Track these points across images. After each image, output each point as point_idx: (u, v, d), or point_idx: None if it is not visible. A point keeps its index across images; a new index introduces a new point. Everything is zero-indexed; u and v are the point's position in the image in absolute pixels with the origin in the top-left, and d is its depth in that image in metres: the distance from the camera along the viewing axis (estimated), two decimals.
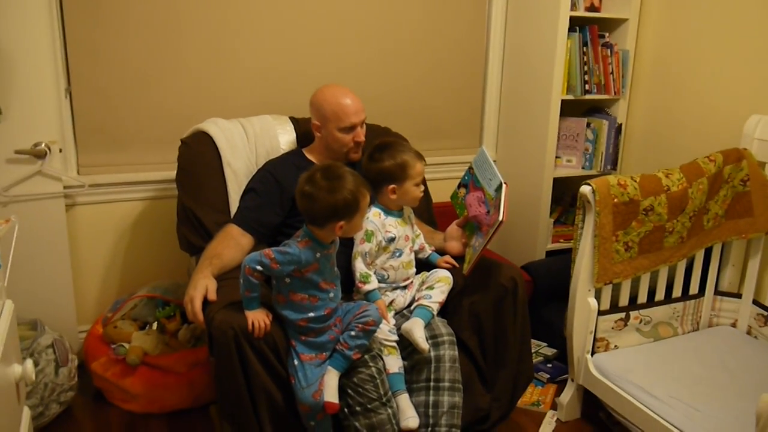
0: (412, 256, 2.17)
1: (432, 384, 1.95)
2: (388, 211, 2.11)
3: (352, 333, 1.82)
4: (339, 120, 2.19)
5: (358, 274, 2.01)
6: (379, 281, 2.06)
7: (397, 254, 2.10)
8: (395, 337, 1.97)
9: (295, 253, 1.76)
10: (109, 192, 2.66)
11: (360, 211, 1.83)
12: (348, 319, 1.85)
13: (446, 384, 1.95)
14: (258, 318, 1.75)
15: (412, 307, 2.08)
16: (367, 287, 2.00)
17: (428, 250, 2.25)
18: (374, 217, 2.07)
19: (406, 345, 1.97)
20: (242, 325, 1.74)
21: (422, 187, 2.14)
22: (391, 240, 2.07)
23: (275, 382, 1.80)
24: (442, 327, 2.03)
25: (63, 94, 2.50)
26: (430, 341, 1.97)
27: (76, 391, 2.38)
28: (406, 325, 1.95)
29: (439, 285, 2.10)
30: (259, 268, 1.74)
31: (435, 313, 2.04)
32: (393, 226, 2.09)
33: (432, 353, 1.96)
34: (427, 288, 2.10)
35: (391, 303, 2.08)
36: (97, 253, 2.71)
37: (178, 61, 2.66)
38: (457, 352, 2.00)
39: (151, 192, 2.73)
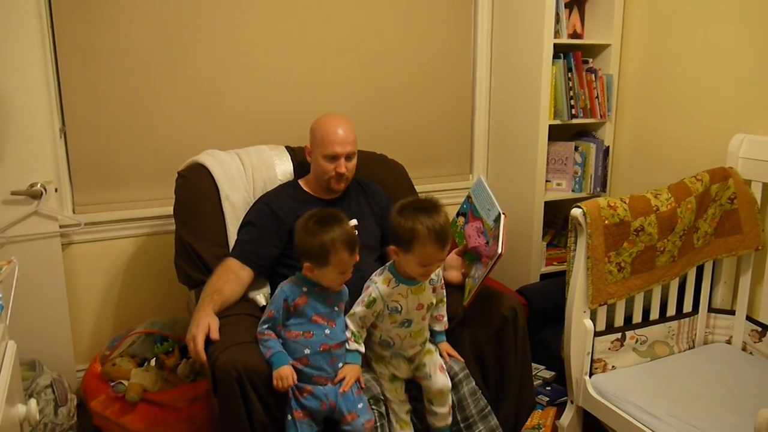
0: (425, 323, 1.98)
1: (462, 425, 2.00)
2: (400, 278, 1.89)
3: None
4: (324, 146, 2.23)
5: (348, 332, 1.90)
6: (384, 347, 1.96)
7: (406, 324, 1.92)
8: (408, 407, 1.98)
9: (278, 291, 1.89)
10: (105, 230, 2.67)
11: (329, 265, 1.82)
12: (340, 408, 1.81)
13: (476, 417, 2.00)
14: (283, 374, 1.77)
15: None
16: (351, 346, 1.88)
17: (442, 326, 2.07)
18: (382, 284, 1.88)
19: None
20: (246, 365, 1.75)
21: (430, 269, 1.88)
22: (397, 311, 1.90)
23: (274, 426, 1.80)
24: (453, 364, 2.05)
25: (58, 134, 2.52)
26: None
27: (75, 431, 2.36)
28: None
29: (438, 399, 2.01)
30: (264, 326, 1.84)
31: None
32: (402, 296, 1.88)
33: (453, 397, 2.00)
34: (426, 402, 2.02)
35: (393, 374, 1.99)
36: (93, 291, 2.71)
37: (172, 96, 2.69)
38: (473, 382, 2.04)
39: (147, 228, 2.73)
